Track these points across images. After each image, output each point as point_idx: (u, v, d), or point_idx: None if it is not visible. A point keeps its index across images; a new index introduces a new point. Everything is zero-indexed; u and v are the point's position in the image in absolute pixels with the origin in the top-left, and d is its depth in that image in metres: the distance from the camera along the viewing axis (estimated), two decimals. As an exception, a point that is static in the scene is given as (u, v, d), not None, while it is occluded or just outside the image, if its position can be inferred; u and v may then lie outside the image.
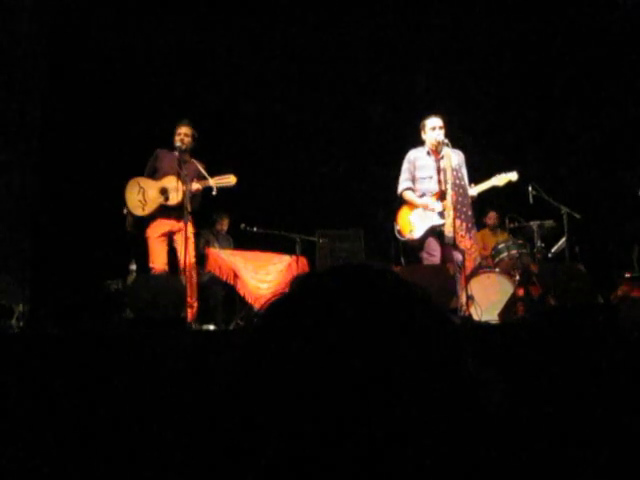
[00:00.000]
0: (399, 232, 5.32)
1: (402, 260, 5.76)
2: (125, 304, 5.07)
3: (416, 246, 5.30)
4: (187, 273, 5.13)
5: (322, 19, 7.23)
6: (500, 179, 5.36)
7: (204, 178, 5.21)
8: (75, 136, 6.74)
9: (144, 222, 5.29)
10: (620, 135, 7.09)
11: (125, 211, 5.29)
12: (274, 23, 7.25)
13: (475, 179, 5.42)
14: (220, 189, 5.18)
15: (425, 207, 5.19)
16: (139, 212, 5.24)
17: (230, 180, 5.22)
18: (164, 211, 5.23)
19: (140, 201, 5.24)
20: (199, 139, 5.47)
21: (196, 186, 5.17)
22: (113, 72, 6.89)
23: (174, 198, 5.14)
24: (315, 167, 7.38)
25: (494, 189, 5.41)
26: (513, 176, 5.36)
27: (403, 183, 5.37)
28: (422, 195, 5.28)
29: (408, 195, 5.33)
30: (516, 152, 6.90)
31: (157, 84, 6.95)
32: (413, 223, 5.23)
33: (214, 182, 5.17)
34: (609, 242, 6.93)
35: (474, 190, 5.35)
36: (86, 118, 6.76)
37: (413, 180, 5.34)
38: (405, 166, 5.38)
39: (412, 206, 5.29)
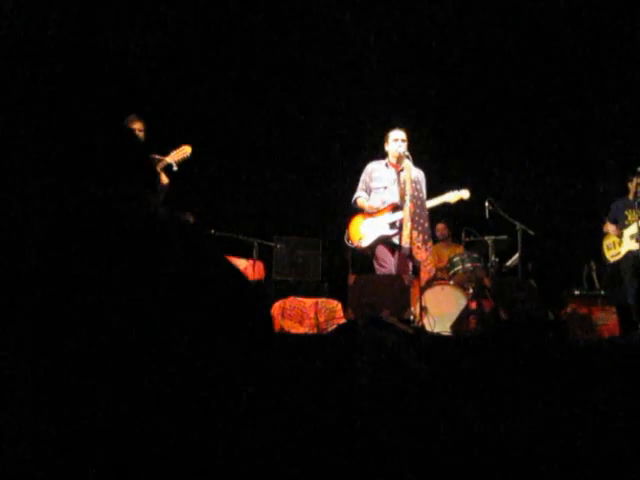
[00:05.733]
0: (348, 238, 5.34)
1: (350, 269, 5.76)
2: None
3: (370, 255, 5.33)
4: None
5: (275, 22, 7.15)
6: (451, 196, 5.39)
7: (160, 161, 5.08)
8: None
9: None
10: (577, 154, 7.25)
11: None
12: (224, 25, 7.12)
13: (429, 194, 5.47)
14: (180, 164, 5.05)
15: (372, 209, 5.21)
16: None
17: (185, 150, 5.09)
18: None
19: None
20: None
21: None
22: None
23: None
24: (278, 174, 7.35)
25: (445, 205, 5.46)
26: (465, 194, 5.40)
27: (357, 192, 5.45)
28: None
29: (360, 201, 5.38)
30: (473, 168, 6.99)
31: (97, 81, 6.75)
32: (363, 232, 5.26)
33: (171, 158, 5.05)
34: (561, 259, 7.09)
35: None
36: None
37: (368, 191, 5.40)
38: (362, 177, 5.46)
39: (365, 215, 5.32)
